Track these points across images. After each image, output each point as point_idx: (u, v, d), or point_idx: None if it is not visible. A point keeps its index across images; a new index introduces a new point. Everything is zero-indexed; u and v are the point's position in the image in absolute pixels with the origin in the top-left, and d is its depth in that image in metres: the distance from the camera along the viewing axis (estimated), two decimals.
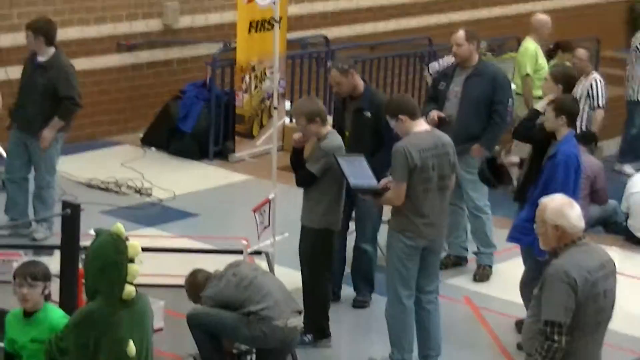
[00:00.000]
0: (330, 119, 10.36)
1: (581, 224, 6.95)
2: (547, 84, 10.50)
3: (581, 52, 14.10)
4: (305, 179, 9.81)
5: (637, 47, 15.84)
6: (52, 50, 11.28)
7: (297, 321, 8.83)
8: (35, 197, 11.49)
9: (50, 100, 11.19)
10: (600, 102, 14.00)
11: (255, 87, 14.40)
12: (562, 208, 6.94)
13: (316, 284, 9.83)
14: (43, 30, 11.27)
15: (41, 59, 11.28)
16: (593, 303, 6.86)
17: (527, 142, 10.50)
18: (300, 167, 9.87)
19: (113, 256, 6.21)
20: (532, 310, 7.03)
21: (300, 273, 10.24)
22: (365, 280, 10.69)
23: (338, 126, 10.55)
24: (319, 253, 9.81)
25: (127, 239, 6.27)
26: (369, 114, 10.45)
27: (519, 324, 9.85)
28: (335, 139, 9.80)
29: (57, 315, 7.23)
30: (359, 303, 10.62)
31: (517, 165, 10.96)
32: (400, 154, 8.97)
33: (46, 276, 7.28)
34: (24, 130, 11.37)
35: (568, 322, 6.76)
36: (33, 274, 7.18)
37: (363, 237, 10.58)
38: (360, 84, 10.62)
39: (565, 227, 6.89)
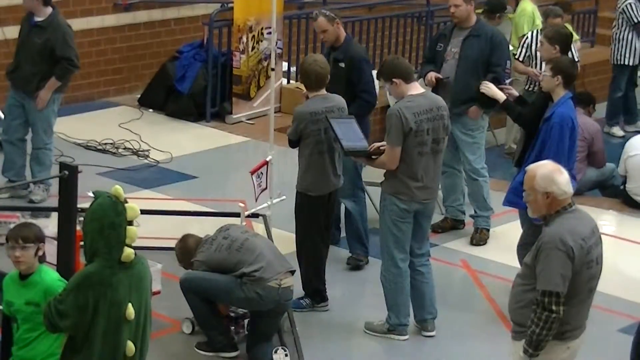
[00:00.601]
0: None
1: (570, 189, 6.97)
2: (544, 47, 10.42)
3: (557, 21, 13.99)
4: (289, 142, 9.97)
5: (623, 9, 15.81)
6: (49, 10, 11.25)
7: (291, 281, 8.86)
8: (32, 158, 11.52)
9: (47, 61, 11.17)
10: None
11: (253, 47, 14.34)
12: (552, 174, 6.94)
13: (303, 245, 9.92)
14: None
15: (38, 18, 11.25)
16: (587, 270, 6.90)
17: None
18: None
19: (112, 218, 6.20)
20: (522, 278, 7.05)
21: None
22: (356, 238, 10.73)
23: None
24: (301, 215, 9.91)
25: (126, 201, 6.26)
26: (342, 65, 10.52)
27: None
28: (309, 103, 9.77)
29: (51, 277, 7.24)
30: (352, 261, 10.66)
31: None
32: (395, 117, 8.97)
33: (38, 238, 7.27)
34: (20, 90, 11.35)
35: (564, 291, 6.77)
36: (25, 236, 7.19)
37: (342, 192, 10.49)
38: (343, 35, 10.76)
39: (556, 193, 6.89)
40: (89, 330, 6.19)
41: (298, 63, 14.66)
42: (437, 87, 11.00)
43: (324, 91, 9.86)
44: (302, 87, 10.08)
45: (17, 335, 7.30)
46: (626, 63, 15.95)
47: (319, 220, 9.97)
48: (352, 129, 9.69)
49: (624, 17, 15.82)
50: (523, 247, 9.39)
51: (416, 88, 9.25)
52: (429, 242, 9.62)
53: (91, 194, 6.51)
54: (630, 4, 15.83)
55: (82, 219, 7.27)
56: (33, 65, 11.14)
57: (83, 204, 7.69)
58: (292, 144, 9.98)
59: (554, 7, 13.95)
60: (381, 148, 9.25)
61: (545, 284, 6.78)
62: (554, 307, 6.77)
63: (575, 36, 16.02)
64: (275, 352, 8.64)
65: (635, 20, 15.73)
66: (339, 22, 10.69)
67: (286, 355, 8.60)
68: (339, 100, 9.99)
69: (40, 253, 7.25)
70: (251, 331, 8.95)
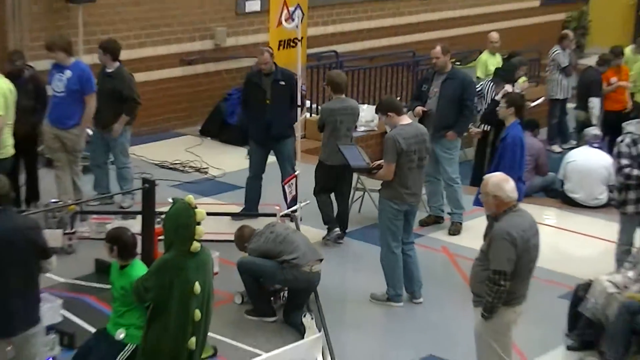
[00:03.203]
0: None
1: (515, 195, 7.01)
2: (501, 111, 9.87)
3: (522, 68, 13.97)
4: (317, 128, 10.95)
5: (553, 57, 15.82)
6: (116, 63, 11.24)
7: (319, 267, 8.86)
8: (118, 176, 11.49)
9: (117, 101, 11.15)
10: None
11: None
12: (500, 183, 6.99)
13: (317, 195, 10.81)
14: (110, 49, 11.27)
15: (109, 70, 11.26)
16: (527, 254, 6.95)
17: (489, 124, 10.63)
18: None
19: (185, 219, 6.26)
20: (479, 261, 7.09)
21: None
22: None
23: (258, 97, 10.95)
24: (318, 175, 10.82)
25: (196, 207, 6.33)
26: (283, 83, 10.90)
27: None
28: (331, 103, 10.85)
29: (137, 272, 7.16)
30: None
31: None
32: (391, 141, 9.02)
33: (111, 239, 7.22)
34: (100, 126, 11.33)
35: (509, 270, 6.83)
36: (106, 236, 7.26)
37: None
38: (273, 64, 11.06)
39: (502, 197, 6.95)
40: (167, 301, 6.27)
41: (318, 101, 14.79)
42: (423, 117, 11.03)
43: (342, 95, 10.73)
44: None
45: (113, 307, 7.36)
46: (558, 97, 15.91)
47: (329, 181, 10.69)
48: (355, 152, 10.02)
49: (554, 63, 15.82)
50: None
51: (405, 119, 9.29)
52: (413, 233, 9.66)
53: (170, 200, 6.57)
54: (558, 53, 15.79)
55: (160, 219, 7.38)
56: (107, 106, 11.05)
57: (161, 208, 7.77)
58: (319, 129, 10.82)
59: (516, 60, 13.93)
60: (381, 164, 9.30)
61: (495, 265, 6.84)
62: (502, 282, 6.83)
63: (524, 78, 16.18)
64: (304, 316, 8.63)
65: (563, 66, 15.74)
66: (273, 55, 11.12)
67: (312, 318, 8.57)
68: (352, 103, 11.00)
69: (114, 252, 7.18)
70: (288, 302, 8.97)
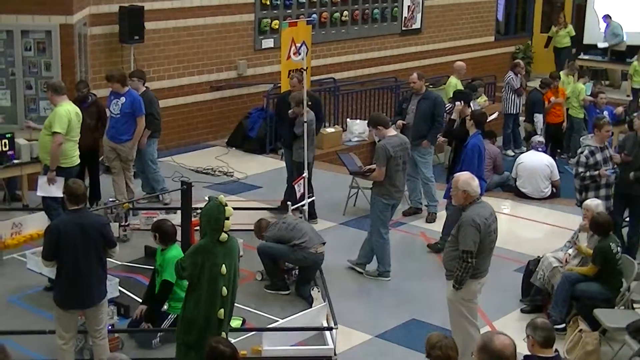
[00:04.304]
0: None
1: (478, 190, 6.98)
2: (468, 125, 9.83)
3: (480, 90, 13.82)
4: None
5: (508, 81, 15.70)
6: (143, 88, 11.07)
7: (323, 248, 8.80)
8: (152, 179, 11.34)
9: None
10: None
11: None
12: (467, 180, 6.96)
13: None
14: (139, 76, 11.16)
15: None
16: (488, 237, 6.91)
17: (449, 137, 10.58)
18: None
19: (216, 215, 6.16)
20: (450, 243, 7.05)
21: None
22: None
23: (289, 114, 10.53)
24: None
25: (226, 204, 6.24)
26: (310, 103, 10.47)
27: (430, 246, 10.12)
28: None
29: (172, 254, 7.41)
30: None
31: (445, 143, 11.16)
32: (382, 149, 8.99)
33: (155, 228, 7.60)
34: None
35: (475, 250, 6.78)
36: (151, 226, 7.53)
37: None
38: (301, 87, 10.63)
39: (469, 192, 6.91)
40: (199, 279, 6.18)
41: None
42: (403, 129, 10.95)
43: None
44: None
45: (157, 281, 7.56)
46: (511, 112, 15.79)
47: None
48: (352, 159, 9.94)
49: (509, 86, 15.73)
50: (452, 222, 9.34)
51: (392, 131, 9.25)
52: (397, 221, 9.73)
53: (206, 198, 6.46)
54: (511, 77, 15.63)
55: (196, 213, 7.34)
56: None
57: (198, 204, 7.74)
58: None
59: (476, 83, 13.87)
60: (372, 168, 9.26)
61: (464, 246, 6.80)
62: (469, 260, 6.80)
63: (484, 97, 16.09)
64: (312, 289, 8.59)
65: (515, 88, 15.63)
66: (301, 81, 10.65)
67: (318, 291, 8.53)
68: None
69: (157, 238, 7.57)
70: (298, 278, 8.90)
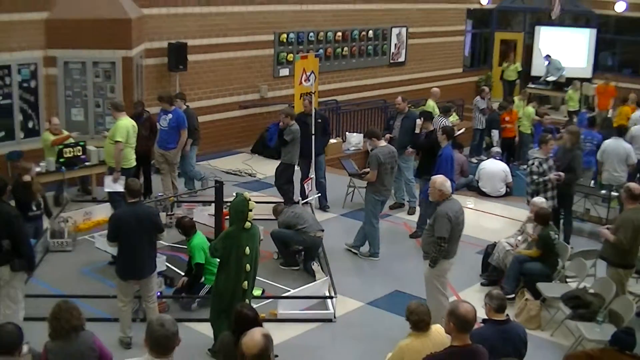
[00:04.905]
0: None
1: (450, 189, 6.94)
2: (439, 139, 9.62)
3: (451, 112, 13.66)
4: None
5: (475, 104, 15.63)
6: (185, 106, 11.02)
7: (321, 234, 8.76)
8: (190, 179, 11.31)
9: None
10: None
11: None
12: (443, 182, 6.91)
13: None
14: (182, 97, 11.12)
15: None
16: (457, 227, 6.86)
17: (420, 148, 10.47)
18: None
19: (242, 208, 6.16)
20: (427, 230, 7.01)
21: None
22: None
23: (305, 129, 10.35)
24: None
25: (249, 199, 6.22)
26: (320, 120, 10.50)
27: (411, 234, 10.01)
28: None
29: (196, 242, 7.44)
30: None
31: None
32: (375, 156, 8.94)
33: (176, 224, 7.75)
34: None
35: (447, 237, 6.74)
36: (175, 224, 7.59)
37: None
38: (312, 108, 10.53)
39: (444, 191, 6.86)
40: (228, 258, 6.18)
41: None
42: (391, 141, 10.88)
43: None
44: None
45: (192, 263, 7.54)
46: (478, 127, 15.75)
47: (291, 175, 10.25)
48: (350, 163, 9.82)
49: (476, 107, 15.68)
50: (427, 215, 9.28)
51: (383, 142, 9.21)
52: (384, 214, 9.56)
53: (234, 194, 6.44)
54: (478, 100, 15.59)
55: (226, 206, 7.31)
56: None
57: (227, 199, 7.71)
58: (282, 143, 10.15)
59: (449, 105, 13.81)
60: (366, 171, 9.21)
61: (438, 233, 6.77)
62: (442, 244, 6.76)
63: (455, 116, 16.02)
64: (312, 264, 8.57)
65: (480, 108, 15.60)
66: (312, 102, 10.54)
67: (318, 265, 8.52)
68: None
69: (180, 232, 7.60)
70: (305, 256, 8.86)
